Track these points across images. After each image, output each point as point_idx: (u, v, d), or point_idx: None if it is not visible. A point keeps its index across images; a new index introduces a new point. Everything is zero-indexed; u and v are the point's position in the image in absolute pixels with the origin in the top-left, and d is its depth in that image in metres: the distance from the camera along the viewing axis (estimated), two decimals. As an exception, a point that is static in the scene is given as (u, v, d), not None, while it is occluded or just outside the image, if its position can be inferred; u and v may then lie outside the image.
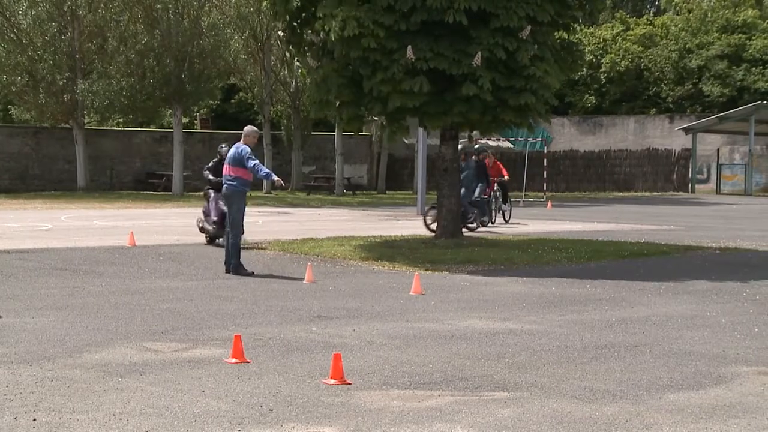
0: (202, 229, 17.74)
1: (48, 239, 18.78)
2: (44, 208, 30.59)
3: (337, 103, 17.64)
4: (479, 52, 16.09)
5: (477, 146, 26.71)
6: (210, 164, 17.70)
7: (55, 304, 10.91)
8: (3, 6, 39.12)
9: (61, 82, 40.53)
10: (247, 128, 14.57)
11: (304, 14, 17.52)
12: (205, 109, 53.49)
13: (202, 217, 17.88)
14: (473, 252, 16.61)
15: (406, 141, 47.78)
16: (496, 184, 25.00)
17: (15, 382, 7.06)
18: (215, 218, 17.11)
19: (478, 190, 23.71)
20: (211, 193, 17.40)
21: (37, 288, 12.18)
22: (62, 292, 11.90)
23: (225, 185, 14.31)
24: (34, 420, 6.07)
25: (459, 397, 6.84)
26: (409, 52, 15.97)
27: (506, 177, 26.04)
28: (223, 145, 16.88)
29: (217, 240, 17.22)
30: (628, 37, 61.75)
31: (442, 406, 6.58)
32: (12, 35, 39.98)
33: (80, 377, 7.28)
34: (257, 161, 14.15)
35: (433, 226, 19.85)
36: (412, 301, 11.75)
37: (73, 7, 40.14)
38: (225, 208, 15.14)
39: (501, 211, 25.38)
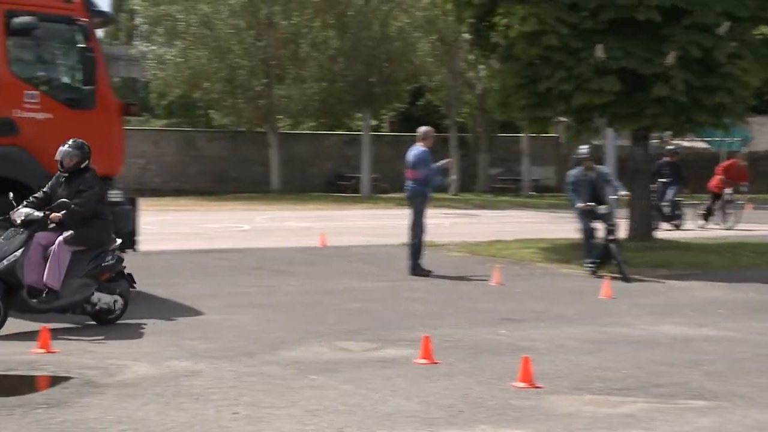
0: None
1: (245, 240, 19.52)
2: (241, 209, 31.80)
3: (522, 104, 17.48)
4: (672, 51, 15.60)
5: (671, 147, 25.83)
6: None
7: (251, 302, 11.33)
8: (207, 17, 40.96)
9: (258, 88, 42.05)
10: (425, 129, 14.57)
11: (487, 19, 17.47)
12: (393, 112, 54.20)
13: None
14: (666, 255, 16.11)
15: (594, 143, 46.78)
16: (725, 188, 23.92)
17: (218, 376, 7.39)
18: None
19: (672, 192, 23.02)
20: None
21: (236, 287, 12.68)
22: (259, 290, 12.34)
23: (407, 187, 14.46)
24: (235, 414, 6.34)
25: (654, 404, 6.67)
26: (599, 51, 15.66)
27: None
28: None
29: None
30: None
31: (636, 412, 6.43)
32: (213, 44, 41.78)
33: (277, 374, 7.53)
34: (429, 169, 14.18)
35: None
36: (602, 304, 11.54)
37: (269, 15, 41.58)
38: None
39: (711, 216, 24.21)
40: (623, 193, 14.43)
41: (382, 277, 13.99)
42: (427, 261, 14.30)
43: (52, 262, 9.22)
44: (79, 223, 9.39)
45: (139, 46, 43.99)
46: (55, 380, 7.25)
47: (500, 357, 8.23)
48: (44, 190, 9.70)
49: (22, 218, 9.31)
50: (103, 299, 9.58)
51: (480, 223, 25.73)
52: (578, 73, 15.95)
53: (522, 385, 7.12)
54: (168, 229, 20.81)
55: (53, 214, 9.33)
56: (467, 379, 7.39)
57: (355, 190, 44.06)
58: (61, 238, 9.30)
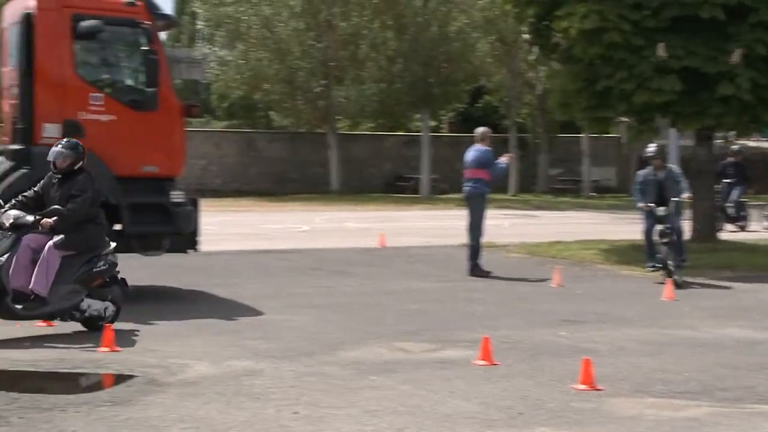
0: None
1: (304, 240, 19.63)
2: (300, 210, 31.99)
3: (582, 105, 17.33)
4: (737, 50, 15.34)
5: (735, 147, 25.39)
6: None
7: (311, 303, 11.38)
8: (266, 18, 41.31)
9: (317, 89, 42.29)
10: (484, 130, 14.62)
11: (548, 18, 17.34)
12: (452, 113, 54.11)
13: None
14: (730, 257, 15.87)
15: (656, 143, 46.24)
16: None
17: (278, 376, 7.44)
18: None
19: (737, 192, 22.65)
20: None
21: (295, 287, 12.74)
22: (317, 291, 12.40)
23: (466, 187, 14.41)
24: (295, 413, 6.38)
25: (718, 408, 6.57)
26: (661, 50, 15.46)
27: None
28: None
29: None
30: None
31: (701, 416, 6.33)
32: (273, 46, 42.11)
33: (336, 374, 7.57)
34: (496, 167, 14.32)
35: None
36: (663, 306, 11.39)
37: (329, 17, 41.79)
38: None
39: None
40: (686, 195, 14.14)
41: (441, 277, 13.98)
42: (486, 262, 14.26)
43: (41, 267, 8.75)
44: (71, 228, 8.93)
45: (201, 49, 44.52)
46: (119, 378, 7.37)
47: (560, 359, 8.17)
48: (35, 189, 9.29)
49: (11, 221, 8.84)
50: (93, 306, 9.09)
51: (540, 224, 25.57)
52: (639, 71, 15.76)
53: (582, 387, 7.06)
54: (228, 230, 21.02)
55: (44, 220, 8.88)
56: (527, 381, 7.35)
57: (415, 191, 44.10)
58: (51, 242, 8.84)
